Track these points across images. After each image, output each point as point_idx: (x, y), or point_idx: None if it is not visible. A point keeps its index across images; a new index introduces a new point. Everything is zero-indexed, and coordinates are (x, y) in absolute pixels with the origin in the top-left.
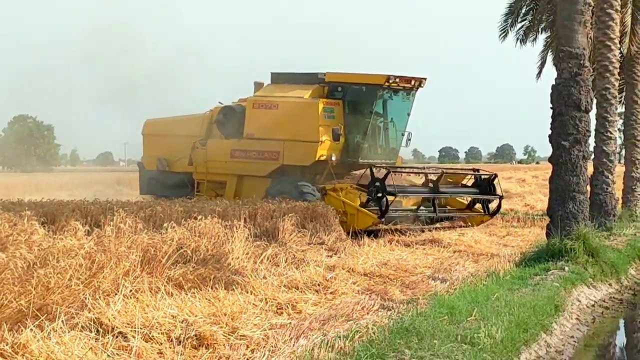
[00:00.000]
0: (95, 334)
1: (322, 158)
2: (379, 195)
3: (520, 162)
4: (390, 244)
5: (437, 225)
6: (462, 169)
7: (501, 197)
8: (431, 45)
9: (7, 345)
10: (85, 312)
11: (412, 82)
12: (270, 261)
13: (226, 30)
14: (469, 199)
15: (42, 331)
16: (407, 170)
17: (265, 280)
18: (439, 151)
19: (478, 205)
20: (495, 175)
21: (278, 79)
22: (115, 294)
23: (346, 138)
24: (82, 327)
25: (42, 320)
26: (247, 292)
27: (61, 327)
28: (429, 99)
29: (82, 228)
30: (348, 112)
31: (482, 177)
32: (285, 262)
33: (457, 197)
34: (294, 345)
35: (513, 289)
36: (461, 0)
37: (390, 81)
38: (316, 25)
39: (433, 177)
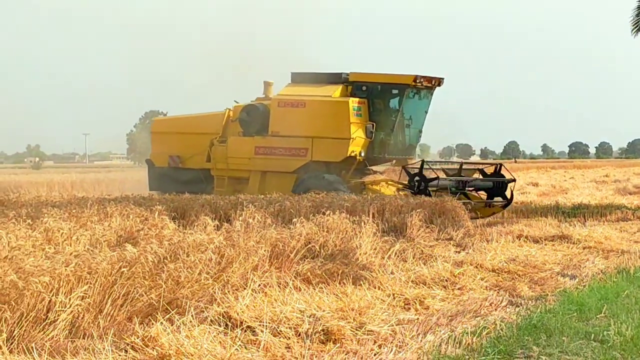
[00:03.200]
0: (224, 328)
1: (352, 154)
2: (421, 189)
3: None
4: (519, 239)
5: None
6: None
7: (513, 180)
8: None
9: (138, 338)
10: (215, 306)
11: (433, 82)
12: (398, 256)
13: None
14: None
15: (172, 325)
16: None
17: (393, 275)
18: (568, 146)
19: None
20: (501, 165)
21: (299, 78)
22: (244, 289)
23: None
24: (211, 321)
25: (172, 314)
26: (375, 288)
27: (191, 321)
28: (560, 92)
29: (212, 223)
30: (373, 110)
31: (487, 169)
32: (413, 257)
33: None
34: (421, 340)
35: None
36: None
37: (417, 81)
38: None
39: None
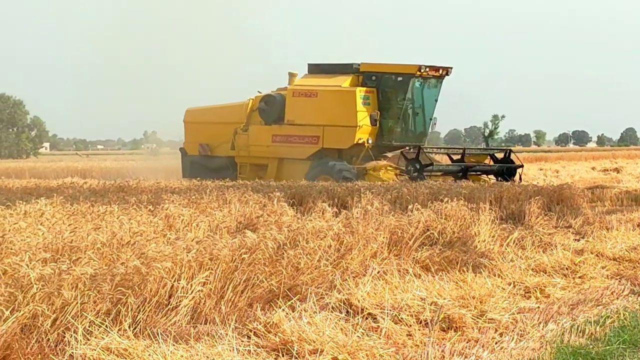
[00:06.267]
0: (345, 315)
1: (359, 141)
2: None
3: None
4: (639, 228)
5: None
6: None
7: (521, 166)
8: None
9: (260, 324)
10: (335, 293)
11: (440, 71)
12: (516, 244)
13: None
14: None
15: (293, 311)
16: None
17: (513, 263)
18: None
19: None
20: (510, 150)
21: (315, 69)
22: (364, 275)
23: (380, 123)
24: (332, 307)
25: (294, 300)
26: (495, 275)
27: (312, 308)
28: None
29: (330, 210)
30: (382, 99)
31: (497, 154)
32: (532, 245)
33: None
34: (542, 329)
35: None
36: None
37: (422, 71)
38: None
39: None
